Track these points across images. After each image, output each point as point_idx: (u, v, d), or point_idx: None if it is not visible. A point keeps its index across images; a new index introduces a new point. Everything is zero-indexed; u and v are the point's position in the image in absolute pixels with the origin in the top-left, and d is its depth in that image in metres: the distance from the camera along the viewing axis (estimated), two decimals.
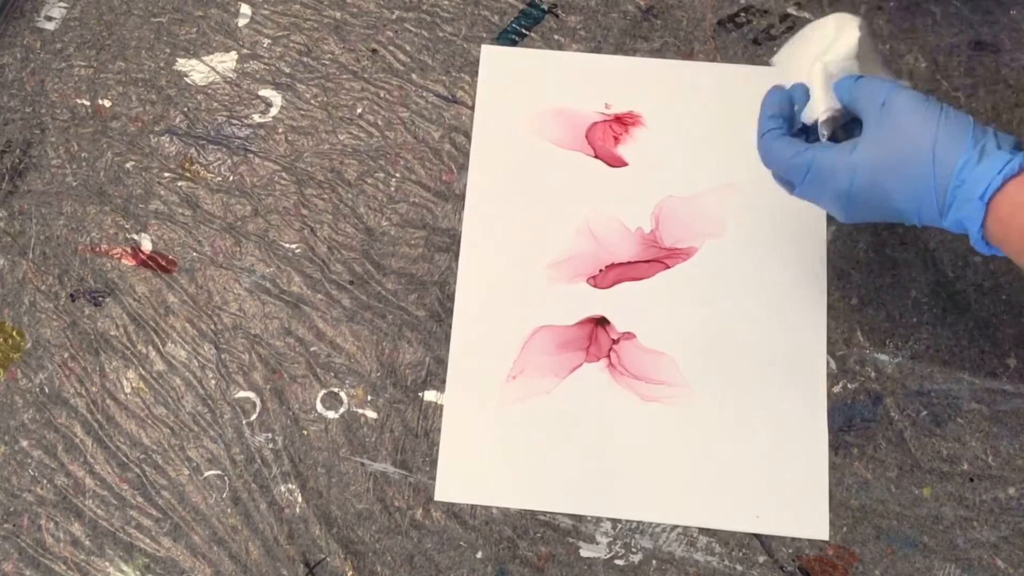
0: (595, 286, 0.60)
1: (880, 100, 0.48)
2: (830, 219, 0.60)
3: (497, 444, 0.57)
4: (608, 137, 0.62)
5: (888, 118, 0.47)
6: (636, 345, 0.58)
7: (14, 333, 0.60)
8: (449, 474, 0.57)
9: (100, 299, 0.61)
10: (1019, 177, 0.44)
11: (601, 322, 0.59)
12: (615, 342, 0.58)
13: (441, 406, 0.58)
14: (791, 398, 0.57)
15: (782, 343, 0.58)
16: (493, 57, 0.64)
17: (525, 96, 0.64)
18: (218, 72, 0.65)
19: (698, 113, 0.62)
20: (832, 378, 0.57)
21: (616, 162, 0.62)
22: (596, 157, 0.62)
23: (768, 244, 0.60)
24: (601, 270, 0.60)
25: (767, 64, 0.63)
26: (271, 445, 0.58)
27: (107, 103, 0.65)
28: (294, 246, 0.61)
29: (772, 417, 0.57)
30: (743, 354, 0.58)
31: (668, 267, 0.60)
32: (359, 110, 0.64)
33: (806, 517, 0.55)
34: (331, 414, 0.58)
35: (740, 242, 0.60)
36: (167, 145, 0.64)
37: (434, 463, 0.57)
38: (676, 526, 0.55)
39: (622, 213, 0.61)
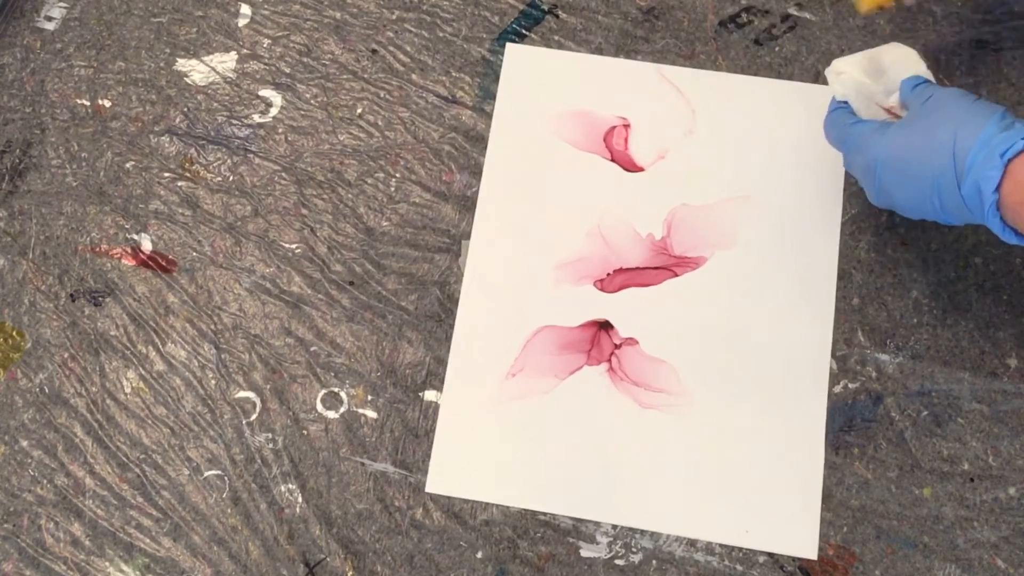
0: (602, 289, 0.59)
1: (928, 95, 0.51)
2: (842, 233, 0.59)
3: (491, 439, 0.57)
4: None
5: (926, 105, 0.50)
6: (638, 351, 0.58)
7: (14, 333, 0.60)
8: (441, 466, 0.57)
9: (100, 299, 0.61)
10: None
11: (605, 326, 0.59)
12: (617, 347, 0.58)
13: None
14: (789, 417, 0.56)
15: (785, 360, 0.57)
16: (516, 56, 0.64)
17: (546, 96, 0.63)
18: (218, 72, 0.65)
19: (719, 123, 0.62)
20: (833, 378, 0.57)
21: (632, 167, 0.62)
22: (613, 161, 0.62)
23: (779, 259, 0.59)
24: (609, 274, 0.60)
25: (773, 77, 0.63)
26: (271, 445, 0.58)
27: (107, 103, 0.65)
28: (294, 246, 0.61)
29: (768, 435, 0.56)
30: (744, 368, 0.57)
31: (676, 275, 0.59)
32: (359, 110, 0.64)
33: (795, 534, 0.54)
34: (331, 414, 0.58)
35: (751, 255, 0.59)
36: (167, 145, 0.64)
37: None
38: None
39: (634, 218, 0.61)
